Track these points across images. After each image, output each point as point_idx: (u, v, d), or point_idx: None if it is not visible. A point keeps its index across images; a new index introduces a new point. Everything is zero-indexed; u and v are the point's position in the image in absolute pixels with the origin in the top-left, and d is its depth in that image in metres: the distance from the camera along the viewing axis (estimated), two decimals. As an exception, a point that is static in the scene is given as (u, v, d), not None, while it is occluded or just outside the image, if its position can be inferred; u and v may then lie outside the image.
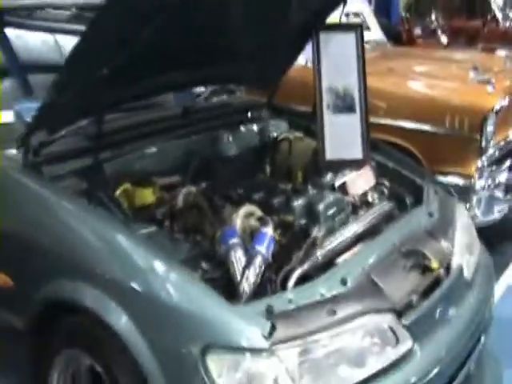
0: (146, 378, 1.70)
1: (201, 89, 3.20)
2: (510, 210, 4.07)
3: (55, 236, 1.99)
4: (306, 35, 2.82)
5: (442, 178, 3.77)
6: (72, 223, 1.97)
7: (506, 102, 3.95)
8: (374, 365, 1.73)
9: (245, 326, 1.66)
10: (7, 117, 2.37)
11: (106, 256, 1.88)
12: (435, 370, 1.85)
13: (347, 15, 5.40)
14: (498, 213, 3.98)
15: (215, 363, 1.62)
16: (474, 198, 3.83)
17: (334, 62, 2.81)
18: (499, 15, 9.38)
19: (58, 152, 2.21)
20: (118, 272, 1.82)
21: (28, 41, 2.89)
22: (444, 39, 8.82)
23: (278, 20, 2.66)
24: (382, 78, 4.42)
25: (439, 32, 9.01)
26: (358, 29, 2.87)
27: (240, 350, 1.62)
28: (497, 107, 3.86)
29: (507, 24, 9.39)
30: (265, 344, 1.62)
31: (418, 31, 8.97)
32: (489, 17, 9.43)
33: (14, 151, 2.18)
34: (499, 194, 3.96)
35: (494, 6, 9.44)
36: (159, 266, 1.80)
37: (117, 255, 1.86)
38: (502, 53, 6.38)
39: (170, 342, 1.70)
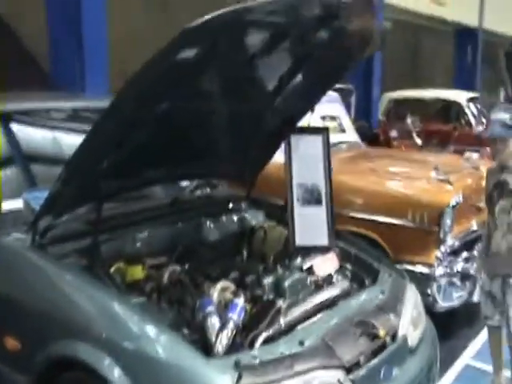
0: None
1: (187, 182, 3.57)
2: (469, 297, 4.39)
3: (59, 304, 2.32)
4: (279, 137, 3.18)
5: (405, 266, 4.11)
6: (74, 293, 2.32)
7: (461, 199, 4.37)
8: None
9: (217, 374, 1.99)
10: (16, 204, 2.70)
11: (102, 319, 2.21)
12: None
13: (323, 118, 5.87)
14: (456, 299, 4.24)
15: None
16: (435, 285, 4.11)
17: (303, 160, 3.14)
18: (472, 120, 9.99)
19: (61, 234, 2.57)
20: (114, 333, 2.15)
21: (30, 135, 3.19)
22: (418, 141, 9.33)
23: (254, 125, 3.08)
24: (356, 177, 4.84)
25: (414, 134, 9.54)
26: (325, 132, 3.23)
27: None
28: (452, 203, 4.27)
29: (480, 128, 10.00)
30: None
31: (394, 133, 9.48)
32: (463, 121, 10.04)
33: (22, 234, 2.54)
34: (457, 281, 4.26)
35: (467, 112, 10.07)
36: (150, 328, 2.14)
37: (113, 319, 2.20)
38: (470, 154, 6.86)
39: None
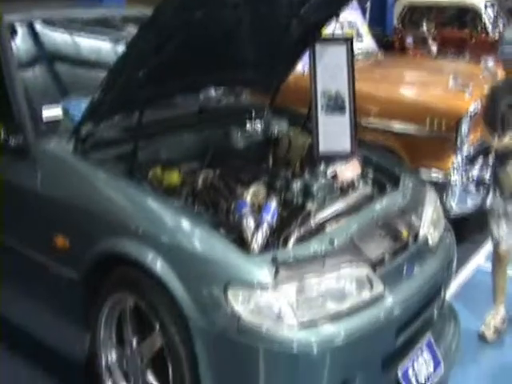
0: (181, 309, 2.21)
1: (212, 92, 3.63)
2: (483, 203, 4.55)
3: (101, 205, 2.50)
4: (303, 46, 3.24)
5: (422, 173, 4.27)
6: (113, 194, 2.50)
7: (479, 106, 4.44)
8: (353, 302, 2.25)
9: (256, 269, 2.17)
10: (55, 112, 2.83)
11: (139, 214, 2.39)
12: (400, 310, 2.37)
13: (342, 26, 5.83)
14: (471, 205, 4.45)
15: (234, 296, 2.13)
16: (450, 191, 4.30)
17: (327, 69, 3.18)
18: (489, 26, 9.81)
19: (101, 141, 2.70)
20: (149, 227, 2.34)
21: (52, 40, 3.28)
22: (434, 48, 9.22)
23: (279, 34, 3.14)
24: (374, 84, 4.91)
25: (430, 41, 9.41)
26: (349, 41, 3.25)
27: (252, 286, 2.14)
28: (471, 110, 4.36)
29: (496, 35, 9.83)
30: (271, 282, 2.13)
31: (409, 40, 9.35)
32: (479, 28, 9.86)
33: (64, 141, 2.68)
34: (472, 188, 4.42)
35: (484, 17, 9.87)
36: (185, 222, 2.32)
37: (148, 213, 2.38)
38: (487, 62, 6.82)
39: (198, 281, 2.21)
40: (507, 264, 3.44)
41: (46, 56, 3.21)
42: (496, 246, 3.41)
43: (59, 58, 3.27)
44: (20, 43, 3.02)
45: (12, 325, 2.99)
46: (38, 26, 3.16)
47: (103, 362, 2.62)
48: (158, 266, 2.27)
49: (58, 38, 3.29)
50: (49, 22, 3.24)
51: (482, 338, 3.37)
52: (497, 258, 3.44)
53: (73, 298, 2.61)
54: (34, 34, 3.15)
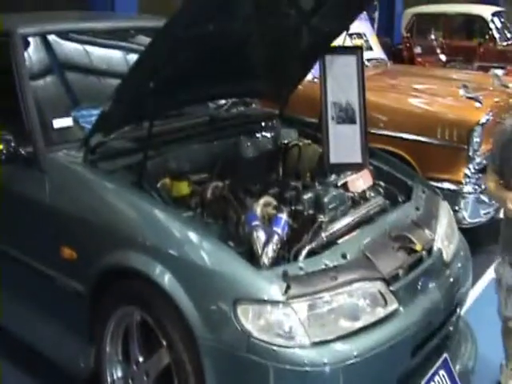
0: (189, 325, 2.15)
1: (223, 101, 3.61)
2: (496, 213, 4.49)
3: (108, 216, 2.46)
4: (313, 56, 3.22)
5: (434, 183, 4.20)
6: (121, 205, 2.46)
7: (491, 117, 4.41)
8: (366, 320, 2.18)
9: (266, 284, 2.11)
10: (66, 122, 2.82)
11: (146, 226, 2.35)
12: (416, 328, 2.30)
13: (351, 36, 5.81)
14: (484, 215, 4.40)
15: (243, 312, 2.08)
16: (462, 202, 4.26)
17: (337, 79, 3.15)
18: (497, 36, 9.79)
19: (110, 151, 2.67)
20: (157, 239, 2.29)
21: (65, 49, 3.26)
22: (442, 58, 9.19)
23: (290, 44, 3.11)
24: (383, 94, 4.87)
25: (438, 51, 9.38)
26: (359, 51, 3.23)
27: (263, 302, 2.08)
28: (482, 121, 4.30)
29: (504, 44, 9.81)
30: (282, 298, 2.08)
31: (418, 50, 9.33)
32: (487, 37, 9.84)
33: (73, 151, 2.66)
34: (485, 198, 4.36)
35: (492, 27, 9.86)
36: (193, 235, 2.27)
37: (155, 225, 2.33)
38: (496, 71, 6.79)
39: (207, 296, 2.15)
40: None
41: (58, 67, 3.20)
42: (505, 321, 2.91)
43: (71, 68, 3.25)
44: (33, 54, 3.01)
45: (15, 337, 2.95)
46: (51, 38, 3.16)
47: (108, 378, 2.56)
48: (166, 280, 2.22)
49: (70, 48, 3.29)
50: (61, 34, 3.24)
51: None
52: (506, 332, 2.93)
53: (78, 311, 2.56)
54: (47, 46, 3.14)
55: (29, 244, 2.79)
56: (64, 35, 3.25)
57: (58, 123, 2.79)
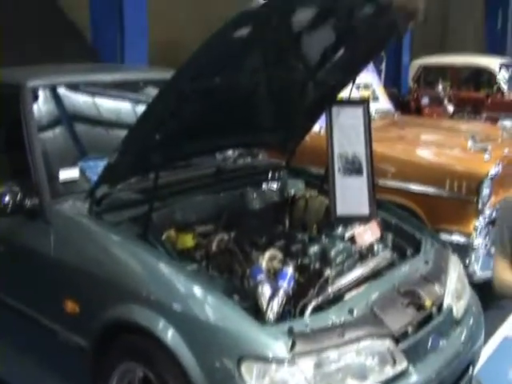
0: (191, 381, 2.09)
1: (229, 152, 3.62)
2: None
3: (113, 269, 2.43)
4: (320, 108, 3.22)
5: (443, 236, 4.15)
6: (125, 258, 2.43)
7: (500, 169, 4.38)
8: (374, 379, 2.12)
9: (271, 341, 2.06)
10: (72, 173, 2.83)
11: (150, 280, 2.31)
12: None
13: (358, 87, 5.87)
14: (495, 269, 4.33)
15: (248, 371, 2.02)
16: (473, 255, 4.17)
17: (344, 131, 3.15)
18: (505, 87, 9.84)
19: (116, 202, 2.66)
20: (161, 293, 2.25)
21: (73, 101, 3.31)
22: (450, 108, 9.19)
23: (296, 96, 3.13)
24: (391, 145, 4.87)
25: (446, 101, 9.41)
26: (366, 103, 3.24)
27: (267, 360, 2.02)
28: (491, 173, 4.27)
29: (512, 95, 9.85)
30: (287, 356, 2.02)
31: (425, 101, 9.36)
32: (494, 88, 9.89)
33: (79, 202, 2.66)
34: (495, 251, 4.30)
35: (499, 78, 9.92)
36: (197, 289, 2.22)
37: (159, 279, 2.30)
38: (504, 123, 6.79)
39: (210, 352, 2.10)
40: None
41: (66, 118, 3.23)
42: None
43: (79, 119, 3.29)
44: (41, 106, 3.05)
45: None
46: (60, 89, 3.20)
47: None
48: (169, 335, 2.17)
49: (78, 100, 3.32)
50: (70, 86, 3.28)
51: None
52: None
53: (81, 366, 2.50)
54: (56, 97, 3.19)
55: (31, 297, 2.75)
56: (73, 87, 3.29)
57: (65, 175, 2.79)
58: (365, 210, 3.13)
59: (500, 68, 9.93)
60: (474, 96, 9.83)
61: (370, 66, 6.53)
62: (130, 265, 2.41)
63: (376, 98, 6.35)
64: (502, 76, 9.89)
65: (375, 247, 2.94)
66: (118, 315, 2.34)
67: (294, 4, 2.24)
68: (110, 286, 2.41)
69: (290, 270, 2.40)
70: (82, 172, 2.85)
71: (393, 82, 10.52)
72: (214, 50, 2.15)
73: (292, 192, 3.41)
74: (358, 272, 2.60)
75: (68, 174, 2.80)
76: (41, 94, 3.07)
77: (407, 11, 2.65)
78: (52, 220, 2.65)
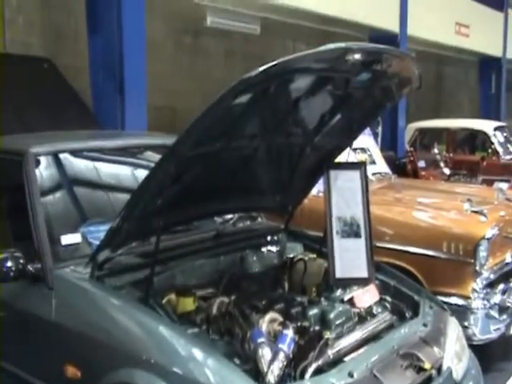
0: None
1: (229, 216, 3.68)
2: (507, 329, 4.40)
3: (114, 333, 2.44)
4: (318, 172, 3.29)
5: (441, 298, 4.15)
6: (126, 322, 2.44)
7: (496, 231, 4.43)
8: None
9: None
10: (74, 238, 2.88)
11: (151, 344, 2.32)
12: None
13: (355, 150, 5.97)
14: (494, 332, 4.27)
15: None
16: (472, 317, 4.15)
17: (342, 194, 3.20)
18: (500, 150, 9.99)
19: (117, 267, 2.70)
20: (161, 357, 2.26)
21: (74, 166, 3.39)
22: (446, 171, 9.30)
23: (294, 161, 3.21)
24: (388, 208, 4.93)
25: (442, 164, 9.53)
26: (363, 166, 3.30)
27: None
28: (488, 235, 4.31)
29: (507, 158, 9.99)
30: None
31: (421, 163, 9.48)
32: (490, 151, 10.04)
33: (80, 267, 2.69)
34: (495, 314, 4.28)
35: (494, 141, 10.08)
36: (198, 352, 2.23)
37: (160, 343, 2.31)
38: (500, 185, 6.86)
39: None
40: None
41: (68, 183, 3.29)
42: None
43: (81, 185, 3.35)
44: (44, 172, 3.11)
45: None
46: (62, 156, 3.27)
47: None
48: None
49: (80, 166, 3.39)
50: (72, 152, 3.35)
51: None
52: None
53: None
54: (58, 163, 3.25)
55: (32, 362, 2.75)
56: (74, 153, 3.36)
57: (67, 240, 2.83)
58: (363, 272, 3.15)
59: (494, 131, 10.11)
60: (470, 159, 9.96)
61: (367, 130, 6.64)
62: (130, 329, 2.43)
63: (373, 162, 6.44)
64: (496, 139, 10.05)
65: (374, 309, 2.96)
66: (119, 379, 2.34)
67: (290, 72, 2.33)
68: (111, 350, 2.42)
69: (290, 333, 2.41)
70: (84, 237, 2.90)
71: (389, 145, 10.68)
72: (214, 117, 2.22)
73: (291, 255, 3.44)
74: (358, 334, 2.61)
75: (70, 238, 2.85)
76: (43, 160, 3.14)
77: (402, 78, 2.75)
78: (54, 285, 2.68)
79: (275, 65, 2.10)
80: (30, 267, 2.70)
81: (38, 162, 3.07)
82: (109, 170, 3.50)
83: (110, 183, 3.46)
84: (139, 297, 2.55)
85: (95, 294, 2.57)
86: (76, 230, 2.92)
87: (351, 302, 2.93)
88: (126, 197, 2.61)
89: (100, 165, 3.47)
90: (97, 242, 2.71)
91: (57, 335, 2.62)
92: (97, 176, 3.41)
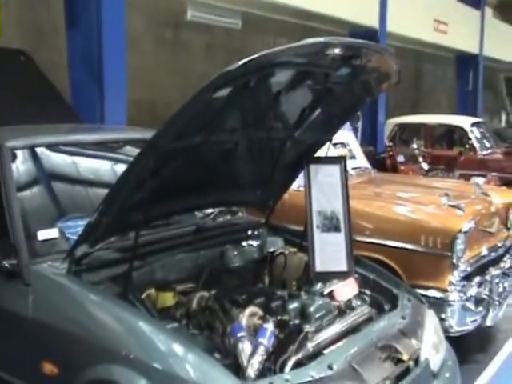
0: None
1: (209, 210, 3.68)
2: (483, 321, 4.47)
3: (92, 329, 2.42)
4: (298, 166, 3.30)
5: (419, 291, 4.19)
6: (104, 317, 2.42)
7: (473, 224, 4.48)
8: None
9: None
10: (51, 233, 2.83)
11: (130, 339, 2.31)
12: None
13: (335, 145, 5.98)
14: (471, 323, 4.33)
15: None
16: (449, 310, 4.20)
17: (322, 188, 3.23)
18: (477, 145, 10.11)
19: (95, 262, 2.67)
20: (141, 352, 2.25)
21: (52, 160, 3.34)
22: (425, 166, 9.38)
23: (275, 155, 3.21)
24: (368, 202, 4.96)
25: (420, 159, 9.61)
26: (343, 161, 3.33)
27: None
28: (465, 228, 4.37)
29: (484, 153, 10.11)
30: None
31: (400, 158, 9.55)
32: (467, 146, 10.15)
33: (57, 262, 2.65)
34: (471, 306, 4.33)
35: (471, 137, 10.19)
36: (178, 347, 2.23)
37: (139, 338, 2.30)
38: (477, 179, 6.95)
39: None
40: None
41: (45, 178, 3.25)
42: None
43: (59, 179, 3.31)
44: (20, 166, 3.07)
45: None
46: (39, 150, 3.23)
47: None
48: None
49: (57, 160, 3.35)
50: (49, 146, 3.31)
51: None
52: None
53: None
54: (35, 157, 3.21)
55: (8, 360, 2.73)
56: (52, 147, 3.32)
57: (44, 235, 2.79)
58: (343, 266, 3.18)
59: (472, 127, 10.22)
60: (448, 154, 10.06)
61: (347, 125, 6.67)
62: (109, 324, 2.41)
63: (353, 156, 6.47)
64: (473, 135, 10.16)
65: (353, 303, 2.99)
66: (98, 376, 2.33)
67: (270, 66, 2.33)
68: (89, 346, 2.40)
69: (270, 327, 2.42)
70: (62, 232, 2.86)
71: (369, 140, 10.73)
72: (194, 111, 2.22)
73: (271, 249, 3.46)
74: (337, 327, 2.64)
75: (47, 234, 2.80)
76: (19, 154, 3.09)
77: (381, 73, 2.77)
78: (30, 280, 2.64)
79: (255, 59, 2.10)
80: (5, 263, 2.66)
81: (14, 156, 3.02)
82: (87, 165, 3.47)
83: (89, 178, 3.42)
84: (118, 292, 2.54)
85: (73, 290, 2.55)
86: (53, 225, 2.88)
87: (331, 295, 2.95)
88: (104, 192, 2.59)
89: (78, 159, 3.44)
90: (75, 238, 2.68)
91: (33, 332, 2.59)
92: (75, 170, 3.37)
